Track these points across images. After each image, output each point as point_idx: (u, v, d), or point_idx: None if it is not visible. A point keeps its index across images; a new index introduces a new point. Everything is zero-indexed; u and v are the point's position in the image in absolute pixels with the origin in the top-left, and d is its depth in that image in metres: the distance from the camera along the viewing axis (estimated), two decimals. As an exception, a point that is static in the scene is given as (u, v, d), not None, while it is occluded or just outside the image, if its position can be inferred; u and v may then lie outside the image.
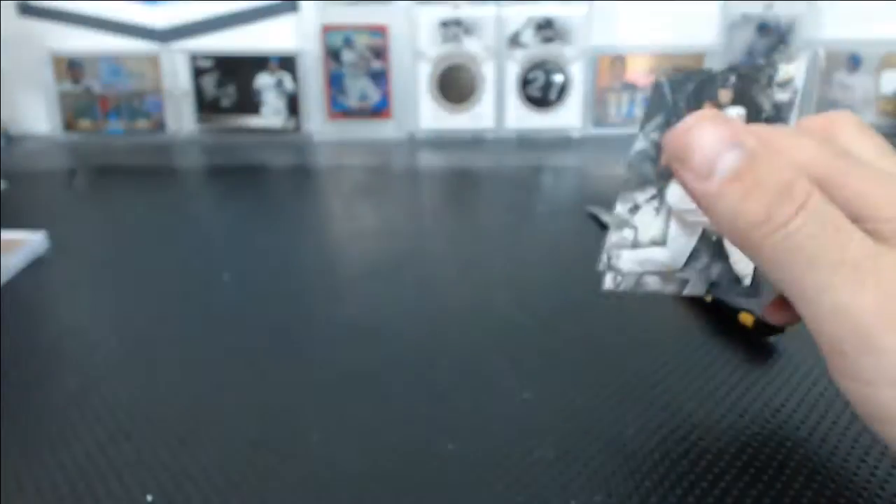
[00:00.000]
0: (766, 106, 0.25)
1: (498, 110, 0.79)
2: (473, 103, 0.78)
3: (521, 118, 0.79)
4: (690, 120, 0.21)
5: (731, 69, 0.25)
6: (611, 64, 0.78)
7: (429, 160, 0.74)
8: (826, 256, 0.19)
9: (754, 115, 0.25)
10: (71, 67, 0.79)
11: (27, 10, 0.78)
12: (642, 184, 0.26)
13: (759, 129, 0.22)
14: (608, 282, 0.27)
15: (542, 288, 0.42)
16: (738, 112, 0.25)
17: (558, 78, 0.77)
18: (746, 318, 0.35)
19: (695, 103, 0.25)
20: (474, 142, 0.78)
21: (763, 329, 0.34)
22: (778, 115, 0.25)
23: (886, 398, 0.19)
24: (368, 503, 0.26)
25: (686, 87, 0.26)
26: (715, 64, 0.78)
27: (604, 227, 0.52)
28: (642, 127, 0.26)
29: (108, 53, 0.79)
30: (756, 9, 0.76)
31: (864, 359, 0.19)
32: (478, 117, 0.79)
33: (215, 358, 0.35)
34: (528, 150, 0.75)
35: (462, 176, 0.68)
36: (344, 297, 0.42)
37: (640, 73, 0.78)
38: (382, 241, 0.51)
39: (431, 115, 0.79)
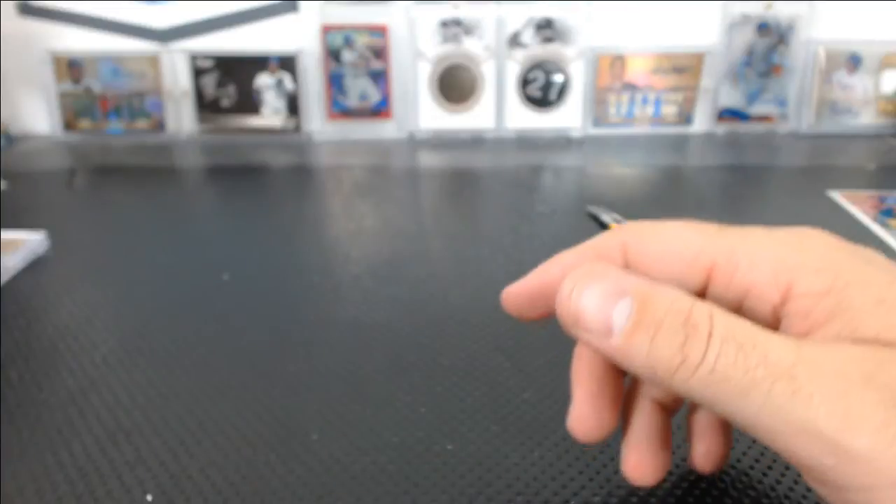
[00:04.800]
0: None
1: (498, 110, 0.79)
2: (473, 103, 0.78)
3: (521, 118, 0.79)
4: (568, 283, 0.20)
5: None
6: (611, 64, 0.78)
7: (429, 160, 0.74)
8: (755, 379, 0.17)
9: None
10: (71, 67, 0.79)
11: (27, 10, 0.78)
12: None
13: (643, 231, 0.22)
14: None
15: (542, 288, 0.42)
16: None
17: (558, 78, 0.77)
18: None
19: None
20: (474, 142, 0.78)
21: None
22: None
23: (863, 501, 0.17)
24: (368, 503, 0.26)
25: None
26: (715, 64, 0.78)
27: (604, 227, 0.52)
28: None
29: (108, 53, 0.79)
30: (756, 9, 0.76)
31: (839, 468, 0.17)
32: (478, 117, 0.79)
33: (215, 357, 0.35)
34: (528, 150, 0.75)
35: (462, 176, 0.68)
36: (344, 296, 0.42)
37: (640, 73, 0.78)
38: (382, 241, 0.51)
39: (431, 115, 0.79)
